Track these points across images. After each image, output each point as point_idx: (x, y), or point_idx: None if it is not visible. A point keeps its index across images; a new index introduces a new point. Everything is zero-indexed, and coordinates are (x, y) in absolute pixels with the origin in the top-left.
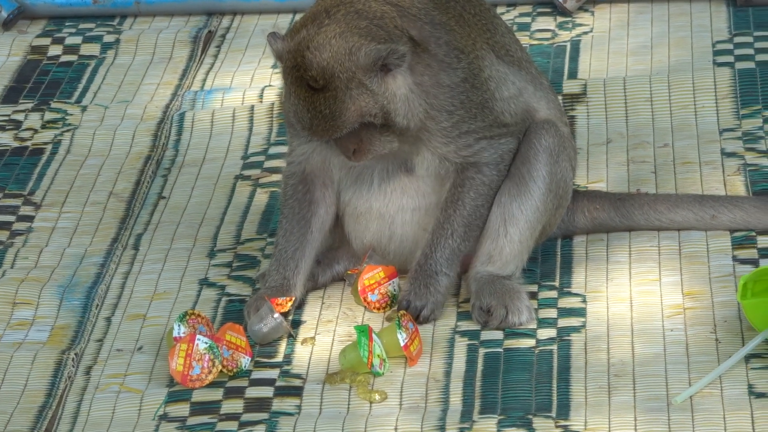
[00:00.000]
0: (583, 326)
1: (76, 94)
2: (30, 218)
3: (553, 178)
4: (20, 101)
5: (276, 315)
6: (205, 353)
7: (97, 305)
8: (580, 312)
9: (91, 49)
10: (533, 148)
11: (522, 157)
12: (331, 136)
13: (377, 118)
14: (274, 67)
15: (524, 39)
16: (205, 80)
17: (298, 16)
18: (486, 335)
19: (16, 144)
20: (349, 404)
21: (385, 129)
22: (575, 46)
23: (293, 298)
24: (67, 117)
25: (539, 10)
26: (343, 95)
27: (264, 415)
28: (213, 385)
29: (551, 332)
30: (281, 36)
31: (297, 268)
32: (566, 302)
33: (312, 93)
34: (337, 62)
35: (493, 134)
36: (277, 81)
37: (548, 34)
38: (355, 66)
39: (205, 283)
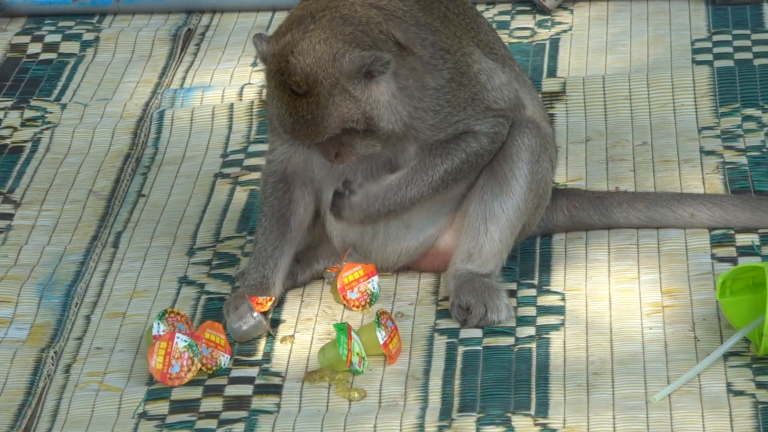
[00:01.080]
0: (562, 324)
1: (56, 92)
2: (9, 216)
3: (534, 178)
4: None
5: (255, 314)
6: (184, 351)
7: (77, 303)
8: (559, 310)
9: (71, 47)
10: (515, 147)
11: (504, 156)
12: (312, 141)
13: (360, 123)
14: (253, 65)
15: (504, 37)
16: (184, 78)
17: (277, 15)
18: (465, 333)
19: None
20: (328, 402)
21: (368, 133)
22: (554, 44)
23: (273, 298)
24: (46, 115)
25: (518, 8)
26: (326, 101)
27: (243, 413)
28: (192, 383)
29: (530, 330)
30: (267, 38)
31: (276, 266)
32: (545, 300)
33: (295, 98)
34: (321, 68)
35: (487, 116)
36: (256, 79)
37: (527, 33)
38: (338, 72)
39: (184, 281)
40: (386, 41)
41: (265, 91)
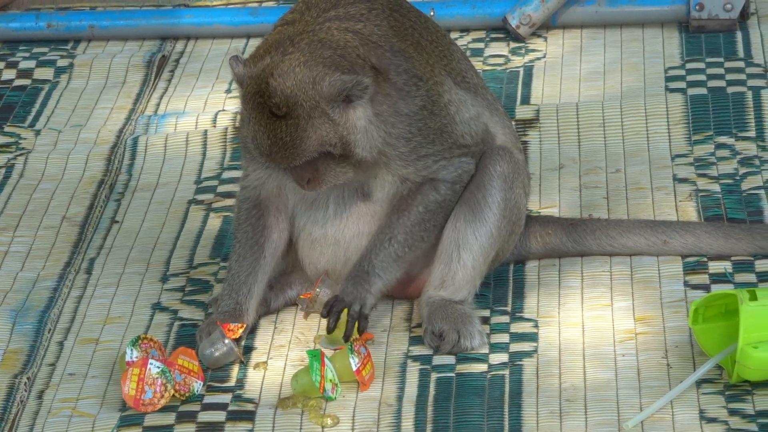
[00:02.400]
0: (535, 351)
1: (30, 118)
2: None
3: (507, 205)
4: None
5: (227, 340)
6: (157, 377)
7: (50, 329)
8: (532, 337)
9: (45, 73)
10: (488, 174)
11: (477, 183)
12: (289, 164)
13: (336, 147)
14: (227, 91)
15: (477, 64)
16: (158, 105)
17: (252, 41)
18: (438, 360)
19: None
20: (301, 428)
21: (343, 159)
22: (528, 71)
23: (245, 325)
24: (20, 141)
25: (492, 35)
26: (305, 124)
27: None
28: (165, 409)
29: (503, 357)
30: (243, 60)
31: (250, 293)
32: (518, 327)
33: (274, 120)
34: (301, 90)
35: (453, 155)
36: (230, 106)
37: (501, 60)
38: (318, 95)
39: (157, 307)
40: (363, 65)
41: (239, 117)
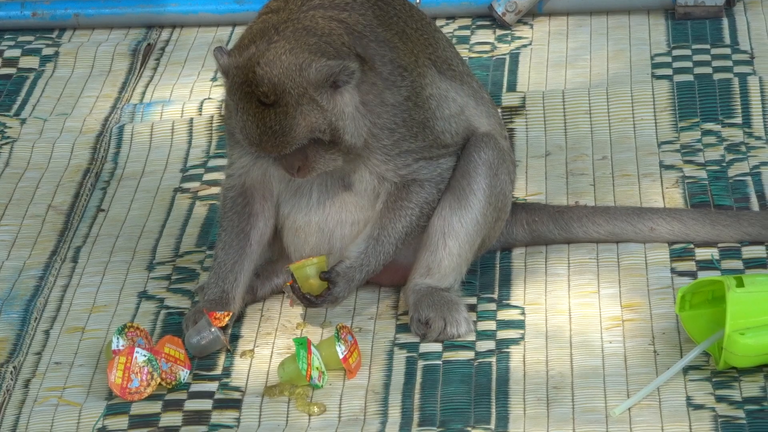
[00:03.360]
0: (522, 338)
1: (15, 106)
2: None
3: (492, 191)
4: None
5: (213, 328)
6: (143, 366)
7: (36, 318)
8: (519, 324)
9: (30, 61)
10: (473, 162)
11: (462, 171)
12: (280, 152)
13: (326, 134)
14: (213, 80)
15: (464, 52)
16: (144, 93)
17: (237, 29)
18: (425, 347)
19: None
20: (288, 417)
21: (332, 147)
22: (514, 58)
23: (231, 313)
24: (5, 130)
25: (478, 23)
26: (294, 111)
27: (203, 428)
28: (152, 397)
29: (490, 344)
30: (227, 51)
31: (236, 281)
32: (505, 314)
33: (262, 109)
34: (289, 78)
35: (433, 155)
36: (216, 94)
37: (487, 47)
38: (306, 82)
39: (144, 295)
40: (348, 53)
41: (224, 105)
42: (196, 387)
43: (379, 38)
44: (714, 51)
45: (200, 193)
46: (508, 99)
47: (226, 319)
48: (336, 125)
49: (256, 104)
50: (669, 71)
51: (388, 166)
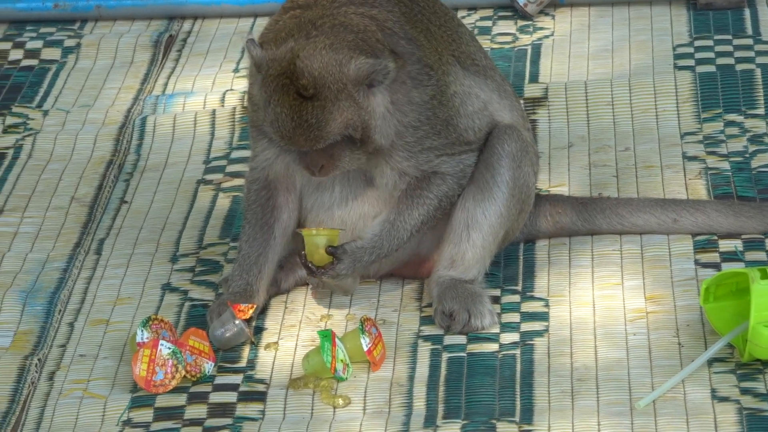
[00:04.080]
0: (546, 330)
1: (38, 98)
2: None
3: (516, 183)
4: None
5: (237, 321)
6: (168, 358)
7: (60, 310)
8: (543, 316)
9: (52, 53)
10: (496, 154)
11: (485, 163)
12: (312, 146)
13: (358, 132)
14: (235, 71)
15: (485, 43)
16: (166, 84)
17: (259, 20)
18: (449, 340)
19: None
20: (312, 409)
21: (358, 146)
22: (536, 49)
23: (255, 305)
24: (28, 122)
25: (500, 13)
26: (332, 106)
27: (228, 421)
28: (176, 390)
29: (514, 337)
30: (259, 44)
31: (260, 273)
32: (529, 306)
33: (300, 101)
34: (329, 72)
35: (455, 151)
36: (238, 85)
37: (509, 38)
38: (345, 78)
39: (167, 288)
40: (383, 50)
41: (246, 97)
42: (221, 379)
43: (407, 35)
44: (736, 41)
45: (223, 185)
46: (531, 90)
47: (250, 311)
48: (368, 124)
49: (294, 96)
50: (691, 62)
51: (409, 163)
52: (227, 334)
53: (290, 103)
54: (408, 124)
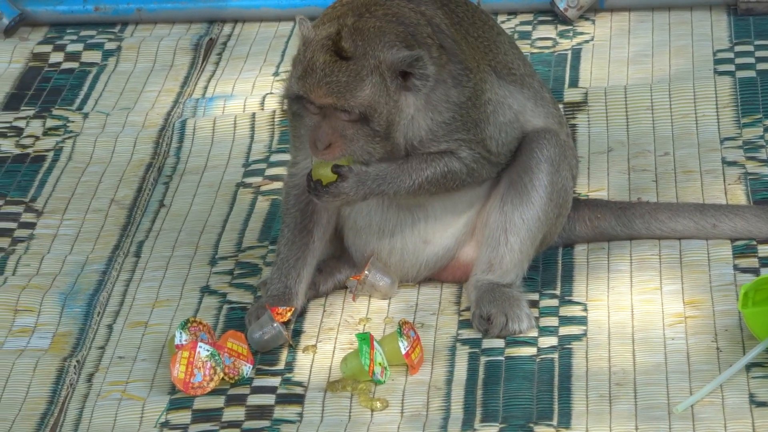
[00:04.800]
0: (584, 334)
1: (78, 101)
2: (31, 225)
3: (554, 188)
4: (22, 108)
5: (275, 324)
6: (206, 361)
7: (99, 312)
8: (581, 320)
9: (93, 56)
10: (534, 158)
11: (523, 166)
12: (331, 102)
13: (381, 120)
14: (275, 74)
15: (525, 47)
16: (206, 88)
17: None
18: (487, 343)
19: (17, 151)
20: (350, 412)
21: (377, 138)
22: (576, 54)
23: (293, 308)
24: (68, 124)
25: (540, 18)
26: (366, 75)
27: (266, 423)
28: (214, 392)
29: (552, 340)
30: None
31: (299, 276)
32: (567, 311)
33: (335, 60)
34: (371, 47)
35: (475, 149)
36: (278, 89)
37: (549, 43)
38: (384, 57)
39: (206, 290)
40: (431, 46)
41: (286, 105)
42: (259, 382)
43: (452, 37)
44: None
45: (262, 188)
46: (570, 95)
47: (288, 314)
48: (393, 119)
49: (331, 54)
50: (731, 67)
51: (431, 147)
52: (265, 337)
53: (325, 59)
54: (442, 122)
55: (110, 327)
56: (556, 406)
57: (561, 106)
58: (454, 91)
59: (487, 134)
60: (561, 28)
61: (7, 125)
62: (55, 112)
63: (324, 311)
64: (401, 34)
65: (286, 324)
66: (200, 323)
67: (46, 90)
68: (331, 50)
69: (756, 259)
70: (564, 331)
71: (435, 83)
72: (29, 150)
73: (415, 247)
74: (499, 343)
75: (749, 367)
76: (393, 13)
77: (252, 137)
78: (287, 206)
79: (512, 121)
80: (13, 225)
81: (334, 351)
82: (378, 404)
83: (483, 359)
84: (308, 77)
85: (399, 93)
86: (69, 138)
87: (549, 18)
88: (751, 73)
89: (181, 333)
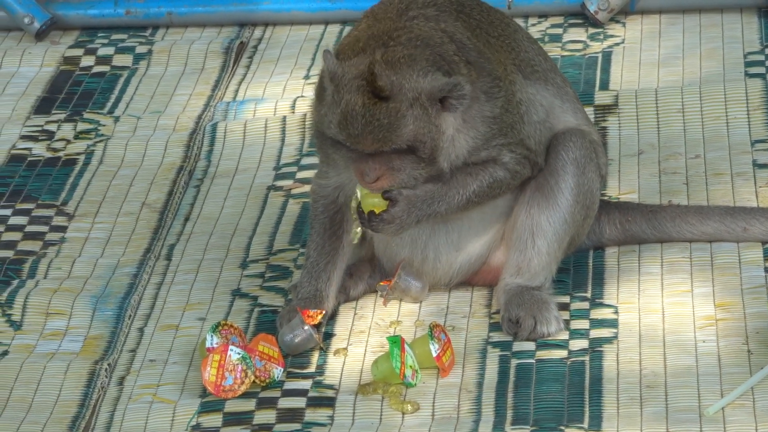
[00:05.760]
0: (615, 337)
1: (109, 104)
2: (63, 228)
3: (580, 190)
4: (53, 112)
5: (306, 326)
6: (237, 364)
7: (130, 315)
8: (612, 323)
9: (124, 59)
10: (561, 160)
11: (549, 168)
12: (378, 147)
13: (426, 147)
14: (306, 77)
15: (556, 50)
16: (237, 91)
17: (329, 27)
18: (518, 346)
19: (49, 155)
20: (381, 415)
21: (421, 164)
22: (607, 57)
23: (324, 311)
24: (99, 127)
25: (571, 21)
26: (406, 110)
27: (297, 426)
28: (246, 395)
29: (583, 343)
30: (335, 54)
31: (329, 279)
32: (598, 313)
33: (374, 102)
34: (406, 80)
35: (517, 151)
36: (309, 92)
37: (580, 45)
38: (421, 88)
39: (237, 293)
40: (458, 64)
41: (314, 114)
42: (290, 385)
43: (476, 48)
44: None
45: (293, 191)
46: (601, 97)
47: (319, 317)
48: (437, 144)
49: (368, 97)
50: (762, 69)
51: (472, 158)
52: (296, 340)
53: (364, 102)
54: (479, 136)
55: (141, 330)
56: (586, 409)
57: (591, 108)
58: (487, 106)
59: (525, 133)
60: (591, 30)
61: (39, 129)
62: (86, 115)
63: (355, 314)
64: (431, 57)
65: (317, 327)
66: (231, 326)
67: (77, 94)
68: (368, 92)
69: None
70: (595, 333)
71: (470, 101)
72: (60, 153)
73: (447, 255)
74: (530, 345)
75: None
76: (416, 36)
77: (283, 140)
78: (315, 213)
79: (543, 119)
80: (44, 228)
81: (365, 354)
82: (409, 407)
83: (514, 362)
84: (350, 126)
85: (439, 116)
86: (100, 141)
87: (579, 21)
88: None
89: (212, 336)
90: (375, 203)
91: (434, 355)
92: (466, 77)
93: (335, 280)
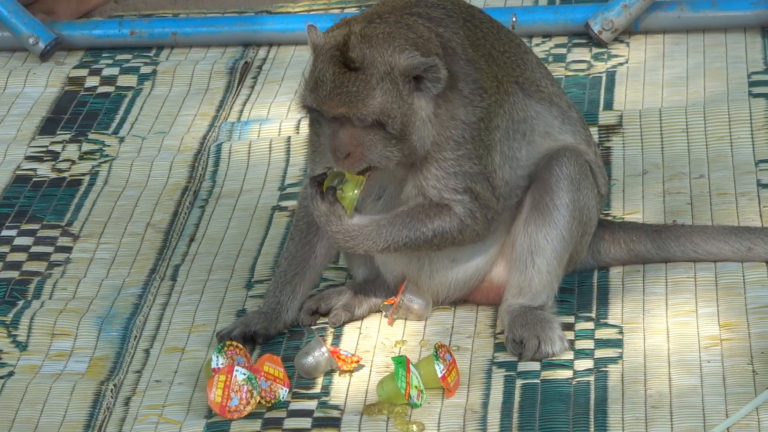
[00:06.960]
0: (620, 357)
1: (114, 125)
2: (68, 249)
3: (576, 206)
4: (58, 132)
5: (323, 349)
6: (243, 384)
7: (136, 336)
8: (617, 343)
9: (128, 80)
10: (554, 176)
11: (544, 186)
12: (344, 112)
13: (395, 123)
14: None
15: (560, 70)
16: (241, 111)
17: None
18: (523, 366)
19: (53, 175)
20: None
21: (394, 142)
22: (611, 77)
23: (360, 358)
24: (104, 148)
25: (575, 41)
26: (376, 82)
27: None
28: (251, 416)
29: (588, 363)
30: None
31: (294, 292)
32: (603, 333)
33: (344, 71)
34: (380, 54)
35: (479, 193)
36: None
37: (584, 65)
38: (395, 63)
39: (242, 314)
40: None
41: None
42: (296, 405)
43: (468, 57)
44: None
45: None
46: (605, 117)
47: (354, 365)
48: (408, 120)
49: (340, 66)
50: (766, 89)
51: (437, 183)
52: (313, 362)
53: (334, 70)
54: (449, 138)
55: (147, 351)
56: (592, 429)
57: (596, 128)
58: (462, 110)
59: (496, 162)
60: (595, 50)
61: (44, 149)
62: (91, 136)
63: (360, 334)
64: (411, 40)
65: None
66: (237, 347)
67: (82, 114)
68: (339, 62)
69: None
70: (600, 353)
71: (440, 99)
72: (65, 174)
73: (442, 265)
74: (535, 366)
75: None
76: (405, 24)
77: (287, 161)
78: (296, 217)
79: (527, 157)
80: (49, 249)
81: (370, 374)
82: (414, 427)
83: (519, 382)
84: (319, 90)
85: (412, 95)
86: (105, 162)
87: (584, 41)
88: None
89: (217, 356)
90: (347, 197)
91: (439, 375)
92: (446, 74)
93: (300, 293)
